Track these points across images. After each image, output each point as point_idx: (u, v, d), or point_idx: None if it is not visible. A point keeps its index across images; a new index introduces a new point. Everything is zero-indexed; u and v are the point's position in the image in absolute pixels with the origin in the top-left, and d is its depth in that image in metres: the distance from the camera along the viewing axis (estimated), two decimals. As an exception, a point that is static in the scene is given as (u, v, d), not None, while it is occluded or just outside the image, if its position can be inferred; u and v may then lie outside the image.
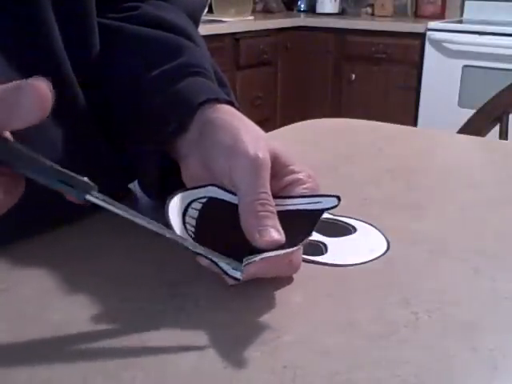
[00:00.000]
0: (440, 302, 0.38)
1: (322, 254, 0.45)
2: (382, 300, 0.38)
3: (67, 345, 0.33)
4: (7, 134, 0.29)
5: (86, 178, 0.31)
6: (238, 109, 0.43)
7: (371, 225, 0.50)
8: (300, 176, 0.40)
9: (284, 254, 0.36)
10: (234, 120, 0.41)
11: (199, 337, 0.34)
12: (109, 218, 0.49)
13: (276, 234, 0.36)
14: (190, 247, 0.35)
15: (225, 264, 0.35)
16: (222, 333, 0.34)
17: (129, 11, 0.50)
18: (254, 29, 2.83)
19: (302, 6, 3.47)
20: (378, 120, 0.88)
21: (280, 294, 0.39)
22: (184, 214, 0.38)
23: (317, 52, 3.13)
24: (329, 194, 0.39)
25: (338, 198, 0.38)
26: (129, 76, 0.47)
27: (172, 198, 0.38)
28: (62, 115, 0.45)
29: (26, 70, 0.43)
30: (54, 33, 0.44)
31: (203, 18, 2.68)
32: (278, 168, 0.39)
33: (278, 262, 0.37)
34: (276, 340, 0.34)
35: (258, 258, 0.35)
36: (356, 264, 0.43)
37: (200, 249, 0.35)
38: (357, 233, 0.49)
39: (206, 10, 2.72)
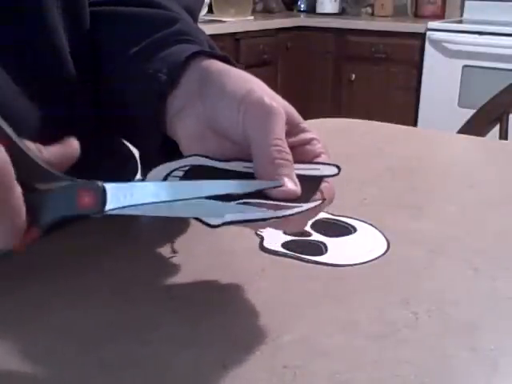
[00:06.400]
0: (440, 301, 0.38)
1: (322, 254, 0.45)
2: (382, 300, 0.38)
3: (67, 345, 0.33)
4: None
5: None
6: (234, 62, 0.42)
7: (371, 225, 0.50)
8: (313, 135, 0.39)
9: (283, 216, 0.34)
10: (240, 72, 0.39)
11: (199, 337, 0.34)
12: (108, 220, 0.49)
13: (292, 184, 0.34)
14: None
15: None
16: (221, 333, 0.34)
17: None
18: (254, 29, 2.83)
19: (302, 6, 3.47)
20: (378, 120, 0.88)
21: (280, 294, 0.39)
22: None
23: (317, 52, 3.13)
24: (328, 162, 0.37)
25: (338, 167, 0.37)
26: (122, 49, 0.46)
27: (150, 171, 0.36)
28: (60, 114, 0.45)
29: (30, 66, 0.43)
30: (55, 19, 0.44)
31: (203, 17, 2.66)
32: (291, 125, 0.38)
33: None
34: (276, 340, 0.34)
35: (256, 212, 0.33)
36: (356, 264, 0.43)
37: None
38: (357, 233, 0.49)
39: (206, 10, 2.72)
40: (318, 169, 0.37)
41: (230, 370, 0.31)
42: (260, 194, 0.34)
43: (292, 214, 0.34)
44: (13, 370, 0.31)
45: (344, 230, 0.49)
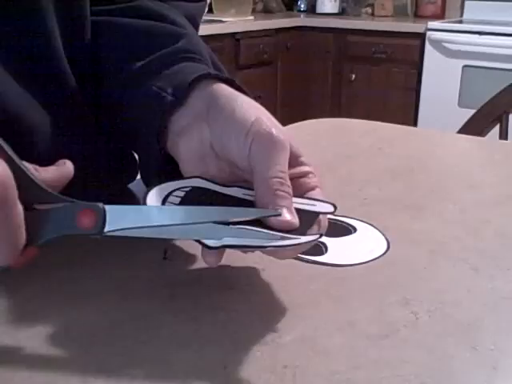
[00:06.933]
0: (440, 301, 0.38)
1: (322, 253, 0.45)
2: (382, 300, 0.38)
3: (67, 345, 0.33)
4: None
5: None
6: (240, 86, 0.42)
7: (371, 225, 0.50)
8: (310, 169, 0.40)
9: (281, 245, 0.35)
10: (247, 99, 0.40)
11: (199, 337, 0.34)
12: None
13: (290, 216, 0.35)
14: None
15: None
16: (222, 333, 0.34)
17: (125, 2, 0.50)
18: (254, 29, 2.82)
19: (302, 6, 3.47)
20: (377, 120, 0.88)
21: (280, 294, 0.39)
22: (164, 200, 0.37)
23: (317, 52, 3.13)
24: (325, 200, 0.39)
25: (334, 205, 0.38)
26: (126, 62, 0.46)
27: (151, 188, 0.37)
28: (60, 117, 0.45)
29: (26, 67, 0.43)
30: (53, 29, 0.44)
31: (203, 17, 2.69)
32: (291, 157, 0.39)
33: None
34: (276, 340, 0.34)
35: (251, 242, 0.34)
36: (356, 264, 0.43)
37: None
38: (357, 233, 0.49)
39: (206, 10, 2.72)
40: (315, 205, 0.38)
41: (230, 369, 0.31)
42: (259, 222, 0.35)
43: (289, 245, 0.35)
44: (12, 370, 0.31)
45: (344, 230, 0.49)
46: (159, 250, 0.44)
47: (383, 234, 0.48)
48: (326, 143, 0.77)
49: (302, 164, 0.40)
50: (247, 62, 2.77)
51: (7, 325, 0.35)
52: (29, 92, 0.43)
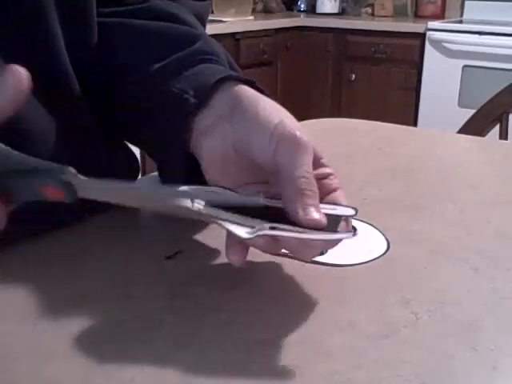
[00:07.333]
0: (440, 301, 0.38)
1: (322, 253, 0.45)
2: (382, 300, 0.38)
3: (67, 345, 0.33)
4: None
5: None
6: (260, 87, 0.43)
7: (371, 225, 0.50)
8: (331, 170, 0.41)
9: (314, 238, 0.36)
10: (269, 101, 0.41)
11: (199, 337, 0.34)
12: (108, 218, 0.49)
13: (318, 214, 0.36)
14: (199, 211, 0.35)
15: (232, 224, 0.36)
16: (222, 333, 0.34)
17: (137, 4, 0.51)
18: (254, 29, 2.83)
19: (302, 6, 3.47)
20: (377, 120, 0.88)
21: (280, 294, 0.39)
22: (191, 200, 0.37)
23: (317, 52, 3.13)
24: (347, 205, 0.39)
25: (355, 209, 0.39)
26: (143, 63, 0.46)
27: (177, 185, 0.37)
28: (61, 115, 0.45)
29: (26, 68, 0.43)
30: (56, 31, 0.44)
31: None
32: (313, 159, 0.39)
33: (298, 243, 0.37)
34: (276, 340, 0.34)
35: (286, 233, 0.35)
36: (356, 264, 0.43)
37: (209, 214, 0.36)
38: (357, 233, 0.49)
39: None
40: (336, 209, 0.39)
41: (229, 369, 0.31)
42: (289, 221, 0.36)
43: (319, 240, 0.36)
44: (11, 370, 0.31)
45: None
46: (160, 250, 0.44)
47: (383, 234, 0.48)
48: (326, 143, 0.76)
49: (323, 166, 0.40)
50: (247, 62, 2.77)
51: (6, 325, 0.35)
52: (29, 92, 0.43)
